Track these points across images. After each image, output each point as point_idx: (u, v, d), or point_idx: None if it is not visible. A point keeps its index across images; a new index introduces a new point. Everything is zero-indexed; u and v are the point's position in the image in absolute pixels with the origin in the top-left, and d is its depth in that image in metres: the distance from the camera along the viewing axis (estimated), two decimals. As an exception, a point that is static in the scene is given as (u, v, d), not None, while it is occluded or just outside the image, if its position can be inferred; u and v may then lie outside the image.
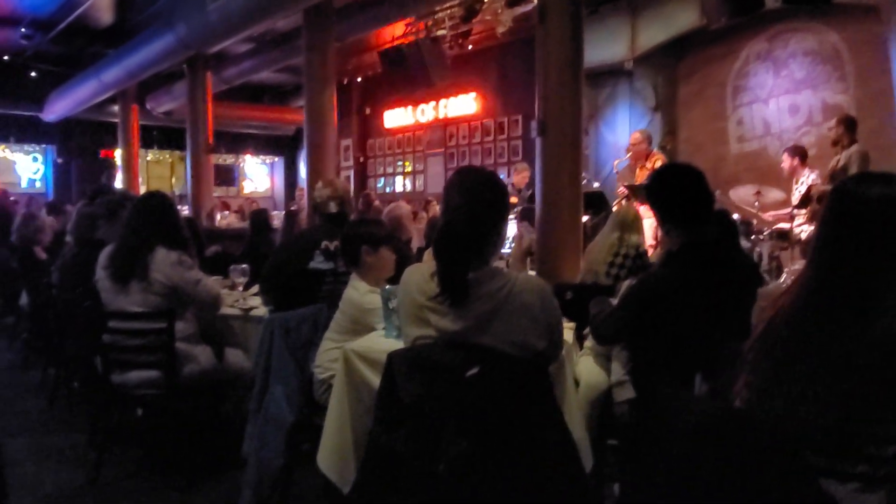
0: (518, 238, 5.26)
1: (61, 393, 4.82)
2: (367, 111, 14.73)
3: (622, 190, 7.24)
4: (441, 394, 1.96)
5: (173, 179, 17.68)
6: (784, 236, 6.51)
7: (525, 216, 6.09)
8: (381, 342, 2.60)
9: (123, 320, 3.47)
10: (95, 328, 3.54)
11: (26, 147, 16.04)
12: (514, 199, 8.00)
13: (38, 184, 16.31)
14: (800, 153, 6.85)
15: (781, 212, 6.75)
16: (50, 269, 5.18)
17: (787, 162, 6.90)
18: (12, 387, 5.39)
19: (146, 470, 3.70)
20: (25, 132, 15.25)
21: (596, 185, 8.46)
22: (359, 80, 14.03)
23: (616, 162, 7.99)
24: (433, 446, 1.92)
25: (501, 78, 11.86)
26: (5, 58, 12.84)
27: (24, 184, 16.12)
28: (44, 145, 16.03)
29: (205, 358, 3.61)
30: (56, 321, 4.75)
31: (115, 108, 13.43)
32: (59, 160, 15.90)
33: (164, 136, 16.04)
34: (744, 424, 1.55)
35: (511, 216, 5.49)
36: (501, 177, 9.90)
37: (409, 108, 13.55)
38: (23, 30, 11.44)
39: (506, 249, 4.94)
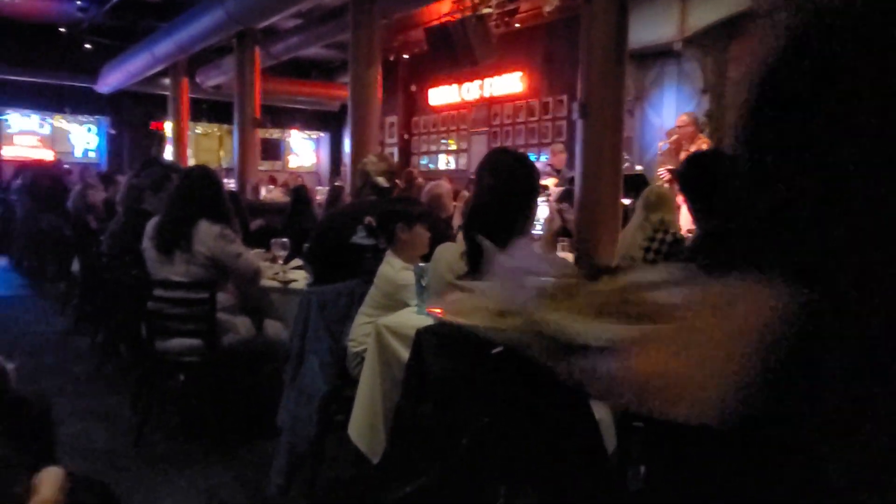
0: (549, 220, 5.26)
1: (109, 357, 5.00)
2: (413, 88, 14.74)
3: (664, 174, 7.16)
4: (466, 370, 2.00)
5: (221, 152, 17.96)
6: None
7: (565, 198, 6.07)
8: (413, 318, 2.65)
9: (167, 289, 3.60)
10: (141, 296, 3.67)
11: (81, 118, 16.46)
12: (553, 180, 7.97)
13: (91, 154, 16.75)
14: None
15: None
16: (100, 238, 5.36)
17: None
18: (63, 350, 5.60)
19: (186, 433, 3.84)
20: (80, 103, 15.63)
21: (639, 167, 8.37)
22: (405, 57, 14.03)
23: (660, 144, 7.89)
24: (457, 420, 1.98)
25: (547, 57, 11.75)
26: (62, 30, 13.14)
27: (78, 154, 16.58)
28: (98, 116, 16.43)
29: (244, 328, 3.72)
30: (105, 288, 4.91)
31: (166, 81, 13.69)
32: (112, 131, 16.29)
33: (213, 110, 16.30)
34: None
35: (542, 198, 5.48)
36: (544, 157, 9.86)
37: (455, 86, 13.51)
38: (78, 2, 11.70)
39: (537, 230, 4.95)
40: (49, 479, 0.87)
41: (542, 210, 5.61)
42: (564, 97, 11.39)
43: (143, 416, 3.71)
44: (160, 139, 15.66)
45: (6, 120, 15.79)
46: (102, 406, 4.26)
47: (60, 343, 5.86)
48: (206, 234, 3.60)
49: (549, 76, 11.78)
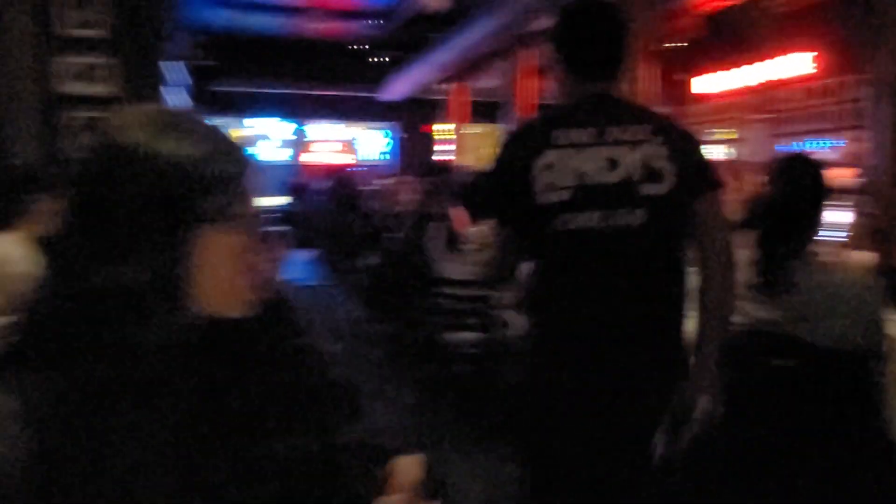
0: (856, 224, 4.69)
1: (397, 346, 5.48)
2: (682, 77, 14.16)
3: None
4: (747, 380, 1.97)
5: (489, 151, 18.64)
6: None
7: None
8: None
9: (450, 286, 3.91)
10: (427, 292, 4.03)
11: (371, 124, 18.25)
12: (848, 172, 7.22)
13: (383, 157, 18.45)
14: None
15: None
16: (389, 236, 5.91)
17: None
18: (358, 338, 6.23)
19: (460, 418, 4.08)
20: (369, 111, 17.32)
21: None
22: (676, 44, 13.53)
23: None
24: (732, 430, 1.95)
25: (835, 35, 10.63)
26: (352, 47, 14.74)
27: (371, 157, 18.34)
28: (384, 122, 18.08)
29: (521, 325, 3.92)
30: (394, 283, 5.41)
31: (442, 86, 14.61)
32: (400, 135, 17.90)
33: (483, 110, 17.05)
34: None
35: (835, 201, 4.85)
36: (841, 143, 8.95)
37: (730, 71, 12.72)
38: (369, 21, 13.02)
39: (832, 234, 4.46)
40: (412, 463, 1.01)
41: (838, 215, 4.94)
42: (856, 78, 10.23)
43: (424, 401, 4.05)
44: (434, 141, 16.76)
45: (304, 129, 17.96)
46: (390, 389, 4.66)
47: (354, 330, 6.50)
48: (476, 235, 3.86)
49: (837, 55, 10.66)
